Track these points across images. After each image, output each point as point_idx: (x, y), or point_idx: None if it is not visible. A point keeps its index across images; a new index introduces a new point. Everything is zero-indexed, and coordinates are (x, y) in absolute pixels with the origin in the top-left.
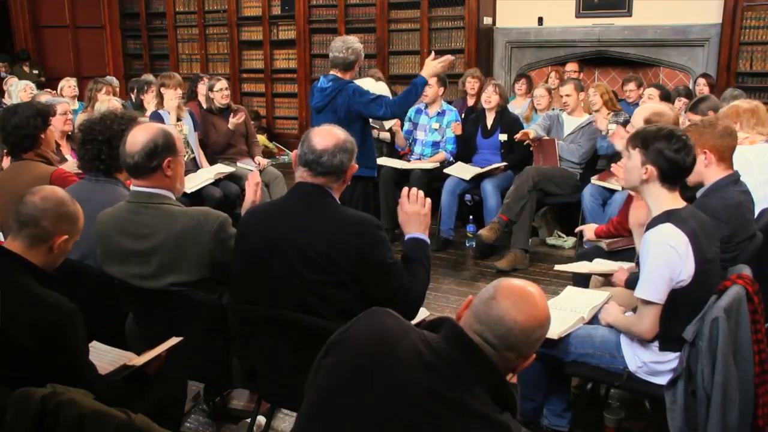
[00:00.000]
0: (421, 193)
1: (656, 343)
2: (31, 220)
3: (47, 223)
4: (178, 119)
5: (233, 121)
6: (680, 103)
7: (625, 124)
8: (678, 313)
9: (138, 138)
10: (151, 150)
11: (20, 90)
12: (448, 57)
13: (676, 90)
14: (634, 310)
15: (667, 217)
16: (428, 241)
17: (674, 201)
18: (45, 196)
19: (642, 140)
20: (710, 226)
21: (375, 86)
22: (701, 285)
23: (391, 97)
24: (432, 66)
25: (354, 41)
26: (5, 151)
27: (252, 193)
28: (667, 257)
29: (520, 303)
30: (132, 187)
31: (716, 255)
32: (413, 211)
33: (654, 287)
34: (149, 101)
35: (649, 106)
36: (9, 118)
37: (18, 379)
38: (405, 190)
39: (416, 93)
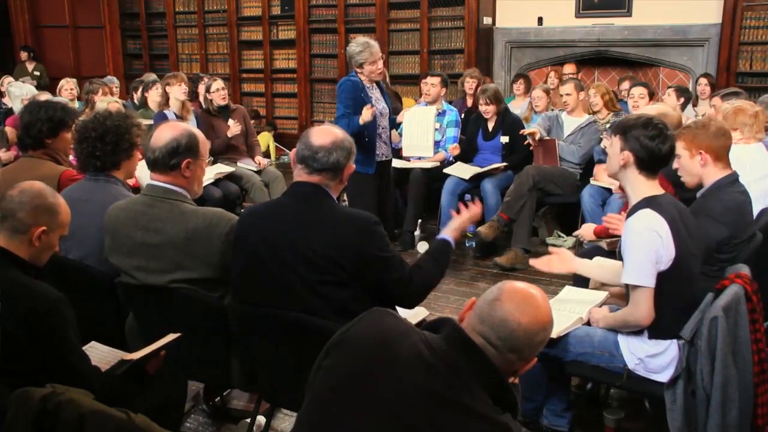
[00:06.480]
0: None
1: (645, 334)
2: (9, 213)
3: (23, 214)
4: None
5: (231, 130)
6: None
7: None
8: (661, 301)
9: (164, 135)
10: (173, 148)
11: (23, 95)
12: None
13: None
14: None
15: (647, 203)
16: (453, 245)
17: (652, 188)
18: (23, 190)
19: (622, 128)
20: (690, 217)
21: None
22: (681, 274)
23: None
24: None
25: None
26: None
27: None
28: (650, 241)
29: (524, 305)
30: (149, 181)
31: (697, 249)
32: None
33: (641, 271)
34: (154, 100)
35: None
36: (25, 114)
37: (14, 373)
38: (479, 206)
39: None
